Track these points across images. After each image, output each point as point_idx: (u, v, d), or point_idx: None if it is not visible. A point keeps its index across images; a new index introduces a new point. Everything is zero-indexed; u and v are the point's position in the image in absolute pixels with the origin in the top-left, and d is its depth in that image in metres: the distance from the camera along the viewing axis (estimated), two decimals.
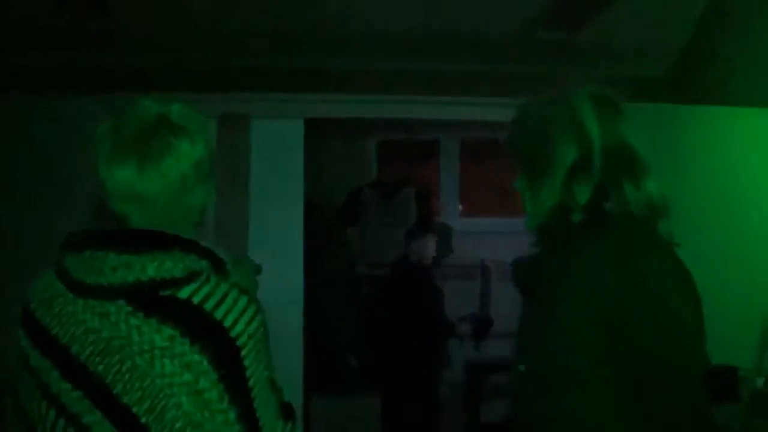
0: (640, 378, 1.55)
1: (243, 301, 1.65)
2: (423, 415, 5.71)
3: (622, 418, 1.51)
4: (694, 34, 4.83)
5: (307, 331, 4.53)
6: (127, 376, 1.58)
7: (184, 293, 1.61)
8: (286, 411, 1.76)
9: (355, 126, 6.57)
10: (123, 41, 4.53)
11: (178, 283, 1.61)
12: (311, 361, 4.66)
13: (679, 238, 1.76)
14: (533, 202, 1.78)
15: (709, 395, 1.71)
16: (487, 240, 6.77)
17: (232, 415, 1.60)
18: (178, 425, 1.57)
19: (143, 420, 1.56)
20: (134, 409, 1.57)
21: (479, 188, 7.86)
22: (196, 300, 1.61)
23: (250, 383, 1.63)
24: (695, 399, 1.65)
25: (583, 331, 1.53)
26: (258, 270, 2.08)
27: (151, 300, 1.60)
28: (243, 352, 1.62)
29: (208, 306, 1.61)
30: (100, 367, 1.59)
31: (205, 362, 1.58)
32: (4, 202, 4.23)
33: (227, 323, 1.61)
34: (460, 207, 7.87)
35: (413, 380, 5.68)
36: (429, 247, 5.92)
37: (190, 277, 1.62)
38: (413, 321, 5.62)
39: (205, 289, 1.63)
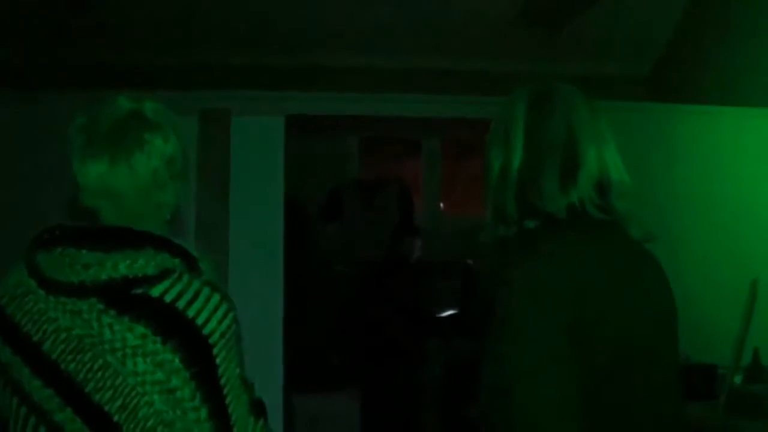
0: (605, 378, 1.54)
1: (215, 299, 1.65)
2: (404, 411, 5.72)
3: (582, 419, 1.49)
4: (675, 33, 4.86)
5: (288, 328, 4.52)
6: (99, 375, 1.57)
7: (156, 291, 1.60)
8: (258, 408, 1.75)
9: (336, 123, 6.56)
10: (103, 38, 4.52)
11: (150, 280, 1.60)
12: (292, 358, 4.65)
13: (656, 235, 1.74)
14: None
15: (681, 393, 1.71)
16: (470, 238, 6.75)
17: (203, 413, 1.60)
18: (149, 423, 1.57)
19: (115, 418, 1.56)
20: (106, 408, 1.56)
21: (461, 186, 7.87)
22: (168, 298, 1.60)
23: (222, 381, 1.63)
24: (664, 397, 1.65)
25: (541, 334, 1.52)
26: None
27: (123, 298, 1.59)
28: (215, 350, 1.62)
29: (180, 304, 1.61)
30: (72, 365, 1.58)
31: (177, 360, 1.58)
32: None
33: (199, 321, 1.61)
34: (441, 205, 7.88)
35: (394, 377, 5.69)
36: (414, 245, 5.94)
37: (162, 275, 1.62)
38: (394, 318, 5.64)
39: (178, 287, 1.62)
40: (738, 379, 3.62)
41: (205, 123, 4.34)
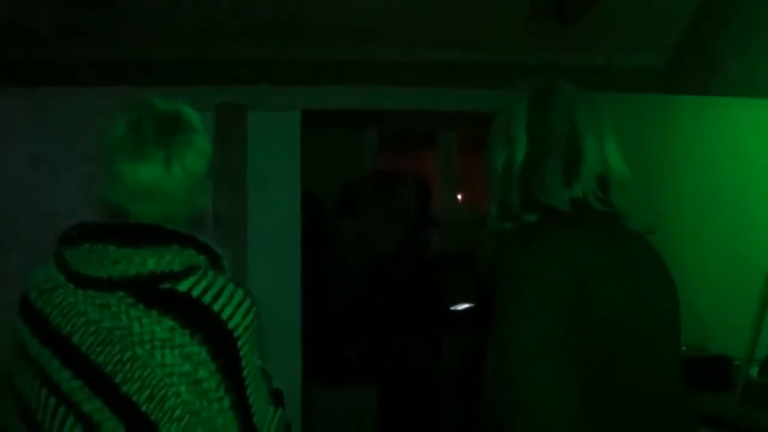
0: (604, 367, 1.56)
1: (239, 294, 1.71)
2: (421, 404, 5.73)
3: (584, 409, 1.51)
4: (691, 24, 4.84)
5: (305, 321, 4.53)
6: (127, 366, 1.62)
7: (183, 286, 1.66)
8: (276, 398, 1.81)
9: (352, 117, 6.56)
10: (120, 34, 4.54)
11: (177, 276, 1.66)
12: (309, 351, 4.67)
13: (672, 228, 1.76)
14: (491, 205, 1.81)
15: (682, 380, 1.72)
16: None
17: (227, 403, 1.66)
18: (177, 413, 1.61)
19: (143, 408, 1.60)
20: (134, 398, 1.60)
21: (478, 179, 7.86)
22: (195, 293, 1.66)
23: (245, 373, 1.69)
24: (665, 384, 1.66)
25: (540, 321, 1.53)
26: None
27: (151, 292, 1.64)
28: (239, 343, 1.68)
29: (207, 299, 1.67)
30: (101, 357, 1.62)
31: (204, 353, 1.64)
32: None
33: (225, 316, 1.67)
34: (459, 197, 7.87)
35: (411, 370, 5.70)
36: (431, 238, 5.94)
37: (189, 271, 1.67)
38: (412, 311, 5.64)
39: (203, 283, 1.68)
40: (754, 371, 3.62)
41: (221, 118, 4.35)
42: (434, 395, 5.86)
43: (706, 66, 4.84)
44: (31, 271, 1.76)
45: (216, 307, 1.67)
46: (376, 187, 6.80)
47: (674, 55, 5.00)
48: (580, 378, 1.50)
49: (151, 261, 1.65)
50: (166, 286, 1.65)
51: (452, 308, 6.08)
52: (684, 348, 1.83)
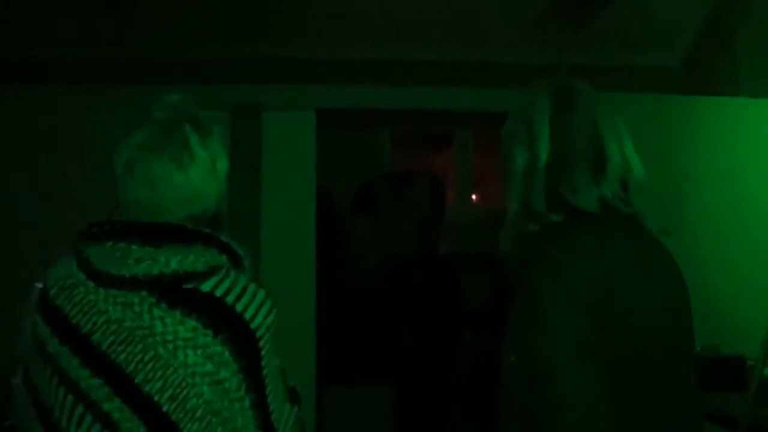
0: (629, 366, 1.56)
1: (261, 294, 1.72)
2: (436, 404, 5.73)
3: (611, 407, 1.52)
4: (707, 24, 4.82)
5: (320, 320, 4.54)
6: (149, 366, 1.61)
7: (206, 286, 1.66)
8: (293, 395, 1.82)
9: (367, 116, 6.57)
10: (136, 34, 4.55)
11: (200, 276, 1.66)
12: (324, 350, 4.67)
13: (687, 228, 1.76)
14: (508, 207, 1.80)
15: (695, 380, 1.72)
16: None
17: (247, 402, 1.66)
18: (198, 413, 1.62)
19: (165, 408, 1.60)
20: (156, 398, 1.60)
21: (493, 178, 7.85)
22: (218, 293, 1.66)
23: (265, 372, 1.69)
24: (684, 383, 1.67)
25: (568, 322, 1.54)
26: None
27: (175, 292, 1.64)
28: (261, 344, 1.69)
29: (230, 299, 1.67)
30: (122, 356, 1.62)
31: (227, 353, 1.64)
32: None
33: (247, 316, 1.67)
34: (473, 197, 7.86)
35: (427, 370, 5.70)
36: (446, 237, 5.94)
37: (211, 271, 1.68)
38: (427, 311, 5.64)
39: (226, 283, 1.68)
40: (767, 371, 3.61)
41: (236, 118, 4.37)
42: (450, 395, 5.86)
43: (722, 66, 4.82)
44: (50, 269, 1.75)
45: (239, 307, 1.67)
46: (392, 186, 6.80)
47: (690, 55, 4.99)
48: (611, 377, 1.51)
49: (174, 260, 1.64)
50: (190, 285, 1.65)
51: (468, 307, 6.06)
52: (699, 348, 1.84)
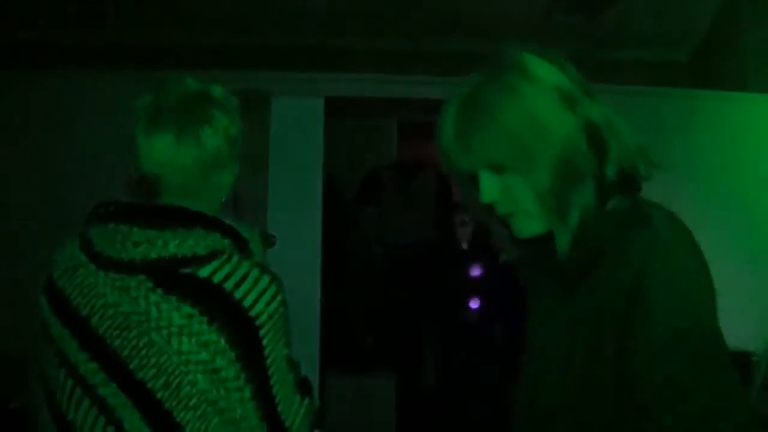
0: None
1: (264, 281, 1.65)
2: (439, 393, 5.72)
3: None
4: (714, 19, 4.82)
5: (324, 309, 4.55)
6: (143, 352, 1.59)
7: (204, 272, 1.61)
8: (304, 387, 1.76)
9: (375, 106, 6.56)
10: (147, 19, 4.56)
11: (199, 260, 1.61)
12: (328, 339, 4.68)
13: (693, 222, 1.73)
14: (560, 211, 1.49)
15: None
16: None
17: (247, 393, 1.62)
18: (193, 402, 1.58)
19: (158, 395, 1.58)
20: (149, 385, 1.58)
21: None
22: (216, 279, 1.61)
23: (268, 362, 1.64)
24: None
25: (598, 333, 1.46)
26: (271, 242, 2.07)
27: (172, 277, 1.60)
28: (262, 332, 1.62)
29: (228, 285, 1.61)
30: (117, 342, 1.60)
31: (222, 341, 1.59)
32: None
33: (247, 303, 1.61)
34: None
35: (430, 361, 5.69)
36: (455, 229, 5.93)
37: (212, 256, 1.63)
38: (434, 302, 5.63)
39: (226, 269, 1.63)
40: None
41: (244, 104, 4.34)
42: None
43: (729, 61, 4.82)
44: (58, 249, 1.74)
45: (237, 294, 1.61)
46: (398, 175, 6.80)
47: (697, 50, 4.99)
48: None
49: (172, 244, 1.61)
50: (187, 270, 1.61)
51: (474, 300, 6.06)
52: None
